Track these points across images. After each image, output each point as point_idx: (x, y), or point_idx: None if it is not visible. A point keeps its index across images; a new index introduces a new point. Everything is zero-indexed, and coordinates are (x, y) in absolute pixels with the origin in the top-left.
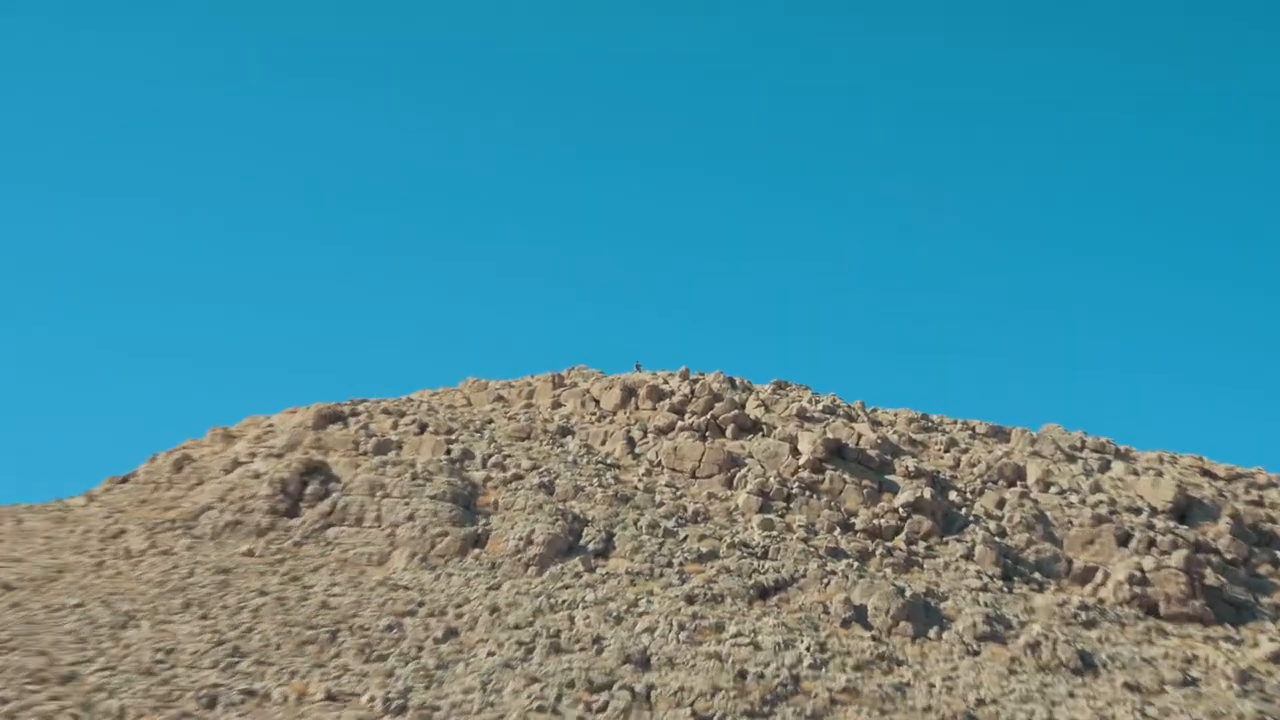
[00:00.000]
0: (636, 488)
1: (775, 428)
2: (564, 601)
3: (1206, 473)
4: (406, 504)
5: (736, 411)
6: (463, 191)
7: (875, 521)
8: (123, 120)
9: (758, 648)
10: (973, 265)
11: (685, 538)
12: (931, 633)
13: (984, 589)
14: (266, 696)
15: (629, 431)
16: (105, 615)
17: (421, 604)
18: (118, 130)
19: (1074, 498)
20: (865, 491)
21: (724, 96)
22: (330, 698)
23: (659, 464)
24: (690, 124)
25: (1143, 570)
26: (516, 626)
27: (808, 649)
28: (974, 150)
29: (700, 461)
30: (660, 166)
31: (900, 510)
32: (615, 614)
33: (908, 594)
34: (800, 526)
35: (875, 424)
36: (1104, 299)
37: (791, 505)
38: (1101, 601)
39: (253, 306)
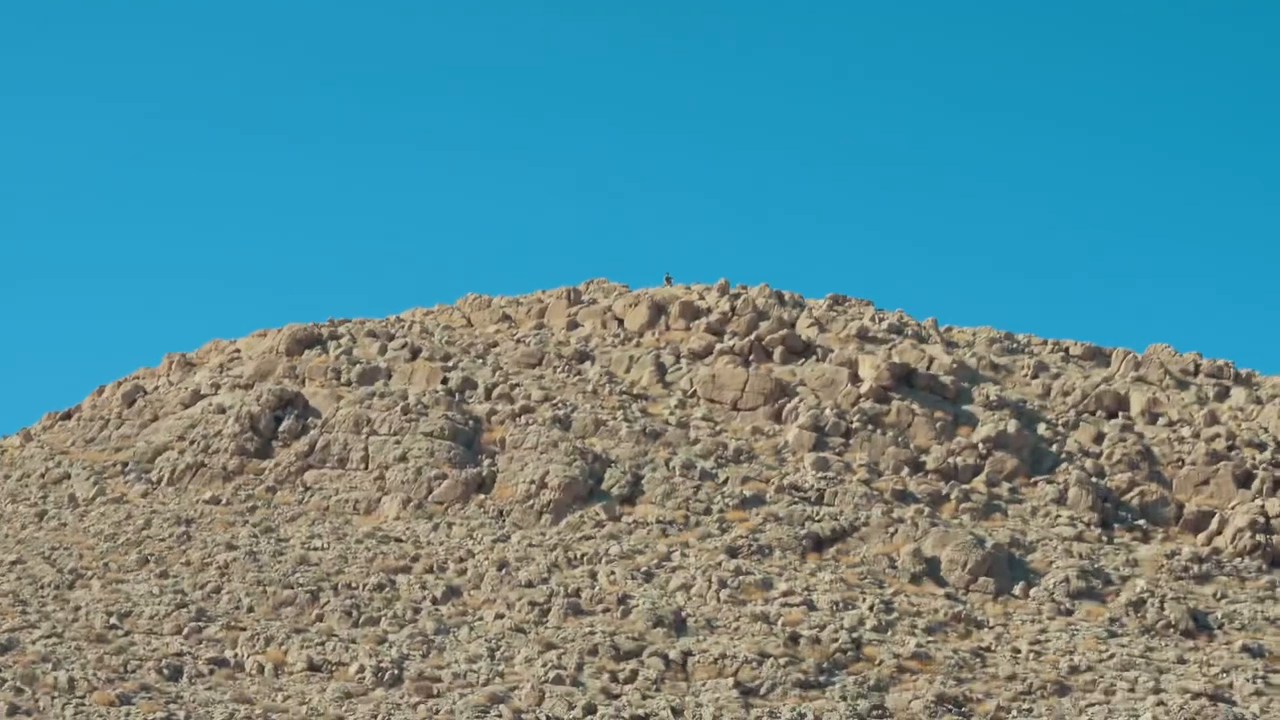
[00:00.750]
0: (668, 422)
1: (831, 350)
2: (584, 555)
3: None
4: (398, 442)
5: (785, 331)
6: (457, 71)
7: (950, 460)
8: (46, 6)
9: (812, 608)
10: (1065, 159)
11: (726, 480)
12: (1017, 590)
13: (1078, 538)
14: (238, 666)
15: (658, 356)
16: (49, 574)
17: (417, 559)
18: (39, 17)
19: (1185, 431)
20: (938, 425)
21: None
22: (312, 667)
23: (694, 394)
24: None
25: (1266, 515)
26: (529, 584)
27: (871, 609)
28: (1071, 33)
29: (743, 391)
30: (687, 37)
31: (980, 447)
32: (644, 570)
33: (988, 544)
34: (861, 466)
35: (950, 345)
36: (1221, 201)
37: (851, 441)
38: (1217, 552)
39: (213, 212)
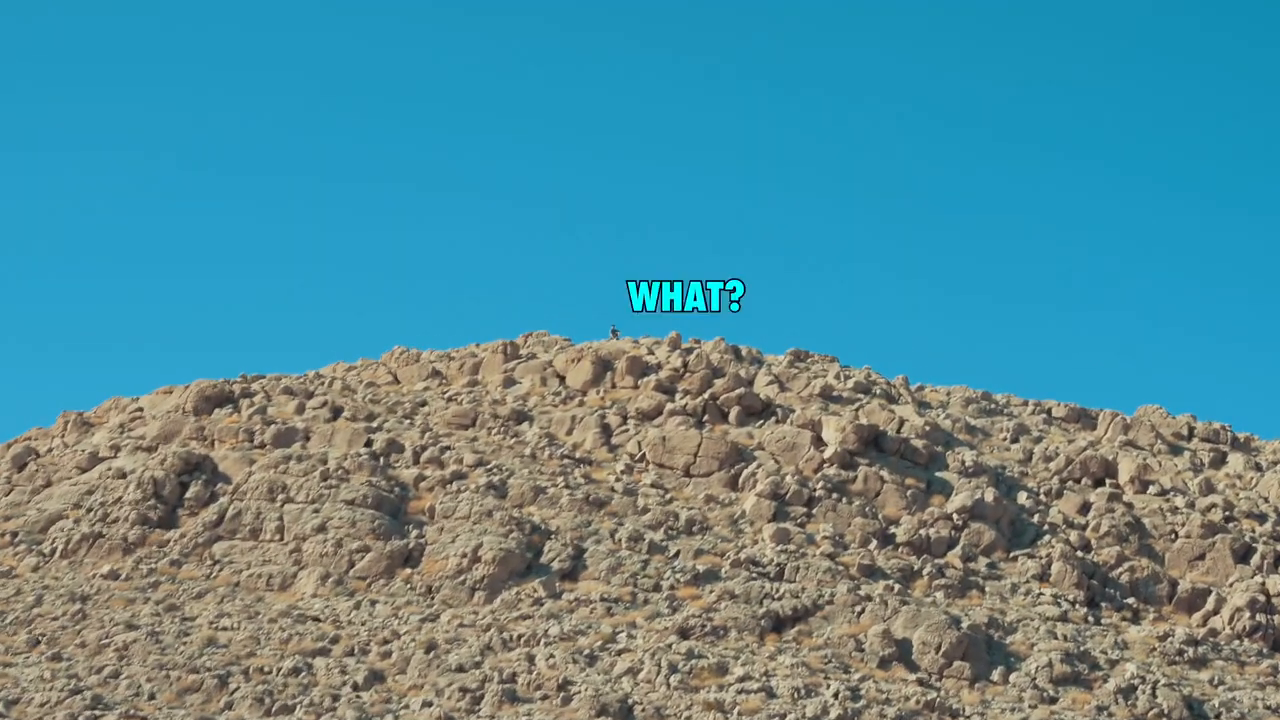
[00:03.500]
0: (614, 489)
1: (793, 411)
2: (520, 636)
3: None
4: (316, 511)
5: (742, 390)
6: (383, 103)
7: (922, 532)
8: None
9: (771, 695)
10: (1048, 203)
11: (677, 554)
12: (995, 675)
13: (1063, 618)
14: None
15: (603, 417)
16: None
17: (336, 640)
18: None
19: (1179, 500)
20: (909, 493)
21: None
22: None
23: (642, 458)
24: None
25: (1267, 594)
26: (459, 669)
27: (835, 696)
28: (1050, 70)
29: (696, 455)
30: (640, 69)
31: (955, 517)
32: (587, 652)
33: (964, 625)
34: (825, 539)
35: (922, 405)
36: (1218, 249)
37: (814, 511)
38: (1214, 634)
39: (111, 257)
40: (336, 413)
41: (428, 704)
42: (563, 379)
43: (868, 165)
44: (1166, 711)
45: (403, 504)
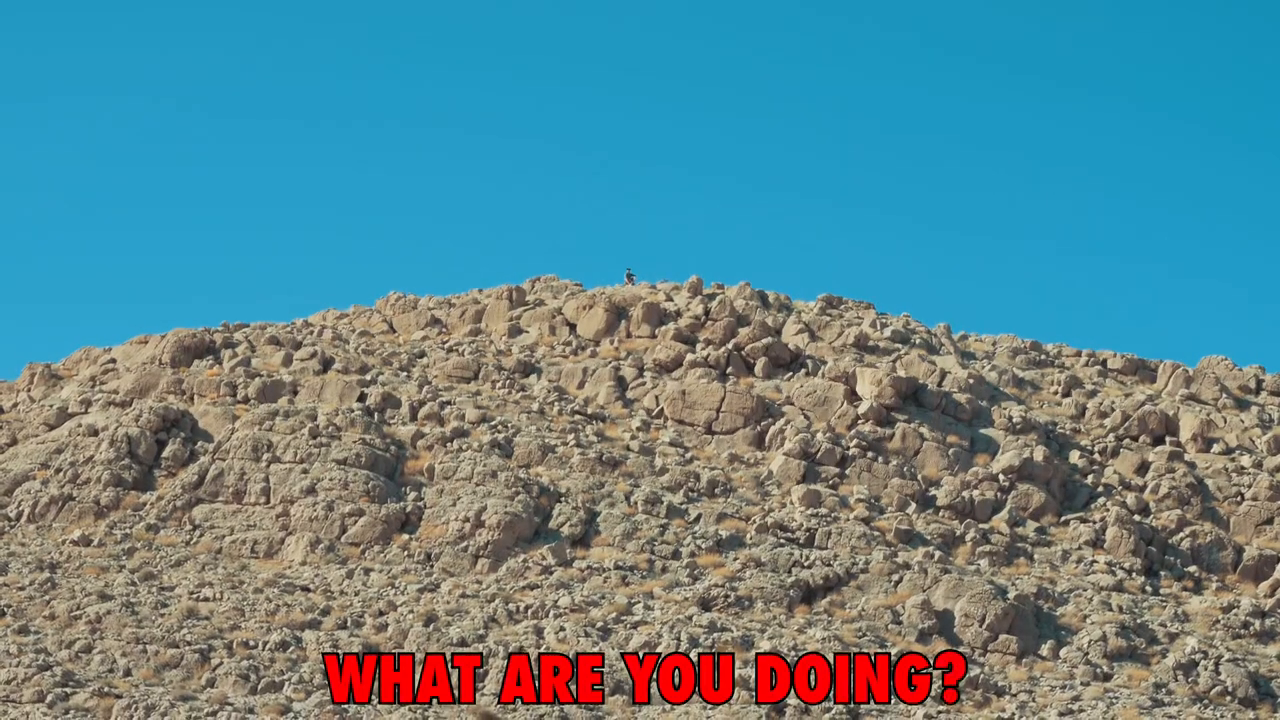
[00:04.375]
0: (629, 448)
1: (824, 362)
2: (527, 608)
3: None
4: (305, 472)
5: (770, 340)
6: (373, 25)
7: (965, 494)
8: None
9: None
10: (1101, 135)
11: (698, 518)
12: (1045, 649)
13: (1118, 588)
14: None
15: (617, 369)
16: None
17: (328, 612)
18: None
19: (1245, 460)
20: (951, 452)
21: None
22: None
23: (660, 414)
24: None
25: None
26: (461, 643)
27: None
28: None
29: (718, 411)
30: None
31: (1001, 478)
32: (600, 625)
33: (1011, 595)
34: (859, 502)
35: (965, 356)
36: None
37: (848, 472)
38: None
39: (82, 198)
40: (327, 364)
41: None
42: (573, 327)
43: (907, 97)
44: (1231, 689)
45: (399, 464)
